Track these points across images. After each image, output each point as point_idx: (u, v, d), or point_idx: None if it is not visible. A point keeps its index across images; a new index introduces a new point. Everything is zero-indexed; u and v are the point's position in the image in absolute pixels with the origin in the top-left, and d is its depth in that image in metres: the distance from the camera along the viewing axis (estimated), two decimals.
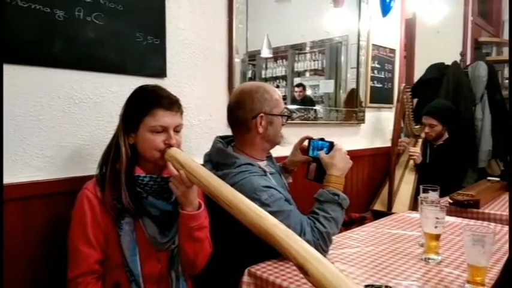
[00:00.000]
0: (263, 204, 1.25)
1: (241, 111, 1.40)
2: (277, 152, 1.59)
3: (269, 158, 1.54)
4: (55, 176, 1.31)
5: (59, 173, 1.32)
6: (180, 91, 1.63)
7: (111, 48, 1.39)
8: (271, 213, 1.20)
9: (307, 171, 1.54)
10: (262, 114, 1.39)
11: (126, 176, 1.14)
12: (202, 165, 1.42)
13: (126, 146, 1.16)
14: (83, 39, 1.33)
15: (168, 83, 1.56)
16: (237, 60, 1.88)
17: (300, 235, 1.22)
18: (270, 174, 1.42)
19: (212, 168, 1.41)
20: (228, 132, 1.77)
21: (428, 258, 1.24)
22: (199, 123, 1.75)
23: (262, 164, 1.44)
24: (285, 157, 1.66)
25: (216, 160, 1.41)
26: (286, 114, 1.48)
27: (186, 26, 1.65)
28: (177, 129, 1.19)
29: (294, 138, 1.60)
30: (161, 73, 1.55)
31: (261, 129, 1.40)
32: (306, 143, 1.55)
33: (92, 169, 1.24)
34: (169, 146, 1.15)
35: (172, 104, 1.17)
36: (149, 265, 1.18)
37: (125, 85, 1.41)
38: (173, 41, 1.60)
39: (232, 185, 1.27)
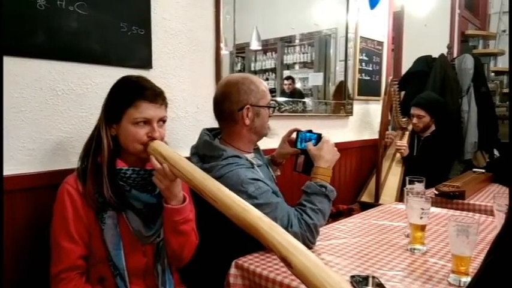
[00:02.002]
0: (250, 197, 1.25)
1: (228, 103, 1.39)
2: (265, 144, 1.59)
3: (257, 150, 1.54)
4: (38, 170, 1.28)
5: (42, 166, 1.30)
6: (166, 83, 1.61)
7: (94, 39, 1.37)
8: (258, 205, 1.20)
9: (295, 163, 1.54)
10: (248, 106, 1.38)
11: (108, 169, 1.12)
12: (189, 158, 1.41)
13: (108, 137, 1.14)
14: (66, 29, 1.30)
15: (154, 74, 1.54)
16: (225, 52, 1.86)
17: (287, 227, 1.23)
18: (258, 166, 1.42)
19: (199, 161, 1.40)
20: (216, 124, 1.76)
21: (414, 249, 1.25)
22: (187, 115, 1.74)
23: (250, 156, 1.44)
24: (273, 149, 1.66)
25: (203, 153, 1.40)
26: (272, 105, 1.47)
27: (171, 16, 1.62)
28: (161, 122, 1.17)
29: (282, 131, 1.60)
30: (147, 64, 1.53)
31: (247, 121, 1.39)
32: (294, 135, 1.55)
33: (75, 162, 1.21)
34: (153, 139, 1.13)
35: (156, 96, 1.14)
36: (134, 259, 1.16)
37: (109, 76, 1.38)
38: (159, 31, 1.57)
39: (219, 178, 1.28)
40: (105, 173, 1.11)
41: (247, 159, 1.39)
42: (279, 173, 1.68)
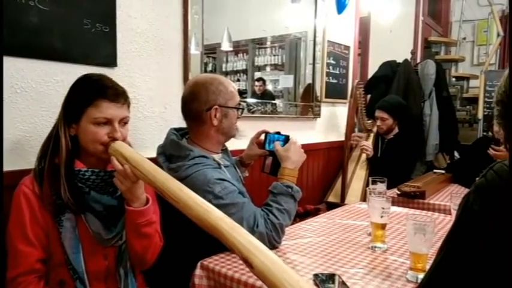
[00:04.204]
0: (216, 197, 1.25)
1: (196, 103, 1.38)
2: (233, 145, 1.59)
3: (224, 151, 1.54)
4: None
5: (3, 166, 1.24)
6: (132, 82, 1.58)
7: (56, 35, 1.32)
8: (224, 205, 1.24)
9: (263, 164, 1.55)
10: (216, 107, 1.38)
11: (66, 170, 1.08)
12: (155, 158, 1.39)
13: (67, 137, 1.10)
14: (25, 24, 1.25)
15: (119, 73, 1.51)
16: (196, 52, 1.85)
17: (253, 227, 1.24)
18: (225, 167, 1.42)
19: (165, 161, 1.38)
20: (183, 125, 1.75)
21: (375, 247, 1.29)
22: (154, 115, 1.71)
23: (217, 156, 1.44)
24: (241, 150, 1.67)
25: (170, 152, 1.39)
26: (241, 107, 1.48)
27: (137, 14, 1.60)
28: (122, 123, 1.14)
29: (252, 132, 1.61)
30: (111, 62, 1.50)
31: (215, 122, 1.39)
32: (262, 136, 1.56)
33: (34, 163, 1.17)
34: (114, 139, 1.10)
35: (118, 95, 1.11)
36: (94, 262, 1.13)
37: (72, 74, 1.33)
38: (124, 29, 1.54)
39: (185, 178, 1.29)
40: (62, 174, 1.08)
41: (214, 160, 1.39)
42: (247, 174, 1.69)
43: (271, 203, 1.32)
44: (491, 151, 2.24)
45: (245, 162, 1.66)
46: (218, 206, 1.21)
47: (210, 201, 1.21)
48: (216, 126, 1.40)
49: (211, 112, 1.38)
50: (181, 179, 1.29)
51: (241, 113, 1.49)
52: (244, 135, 1.54)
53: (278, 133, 1.51)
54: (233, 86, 1.45)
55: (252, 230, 1.23)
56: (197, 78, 1.46)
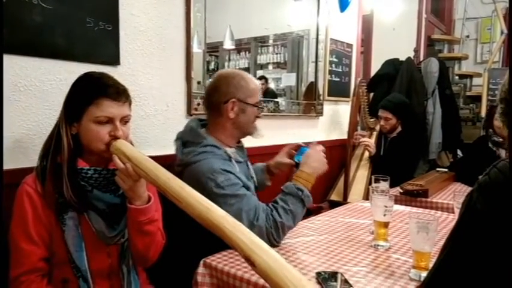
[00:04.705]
0: (218, 186, 1.29)
1: (216, 95, 1.43)
2: (250, 142, 1.61)
3: (240, 148, 1.55)
4: None
5: (3, 164, 1.24)
6: (134, 80, 1.59)
7: (59, 33, 1.33)
8: (224, 195, 1.27)
9: (291, 176, 1.55)
10: (234, 100, 1.41)
11: (68, 168, 1.08)
12: (156, 157, 1.39)
13: (68, 136, 1.10)
14: (29, 22, 1.26)
15: (121, 71, 1.52)
16: (198, 50, 1.85)
17: (252, 220, 1.24)
18: (236, 162, 1.43)
19: (181, 145, 1.43)
20: (185, 123, 1.76)
21: (378, 245, 1.29)
22: (156, 114, 1.72)
23: (230, 150, 1.45)
24: (257, 148, 1.65)
25: (186, 139, 1.43)
26: (260, 106, 1.50)
27: (140, 12, 1.60)
28: (124, 121, 1.14)
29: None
30: (114, 61, 1.50)
31: (232, 115, 1.42)
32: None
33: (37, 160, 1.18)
34: (116, 138, 1.10)
35: (119, 93, 1.11)
36: (98, 260, 1.13)
37: (74, 72, 1.33)
38: (127, 27, 1.54)
39: (193, 163, 1.34)
40: (65, 173, 1.08)
41: (225, 152, 1.41)
42: (269, 184, 1.70)
43: (279, 201, 1.32)
44: None
45: (272, 171, 1.67)
46: (218, 196, 1.27)
47: (211, 189, 1.28)
48: (233, 119, 1.43)
49: (229, 105, 1.41)
50: (189, 164, 1.35)
51: (260, 112, 1.51)
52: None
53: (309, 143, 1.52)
54: (256, 84, 1.48)
55: (252, 224, 1.23)
56: (222, 72, 1.51)
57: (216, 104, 1.43)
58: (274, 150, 1.93)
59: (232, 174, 1.33)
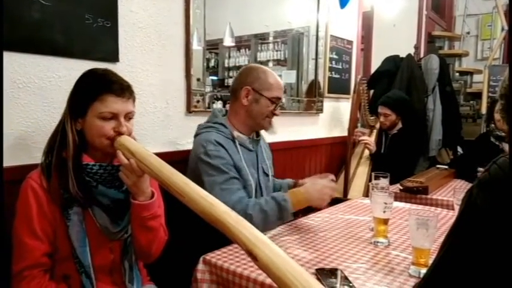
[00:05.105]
0: (205, 154, 1.40)
1: (237, 81, 1.56)
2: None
3: (255, 141, 1.60)
4: None
5: (3, 161, 1.24)
6: (134, 77, 1.58)
7: (58, 30, 1.32)
8: (207, 164, 1.39)
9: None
10: (248, 87, 1.51)
11: (74, 164, 1.09)
12: (157, 153, 1.39)
13: (73, 132, 1.11)
14: (28, 19, 1.25)
15: (121, 68, 1.51)
16: (198, 47, 1.84)
17: (224, 196, 1.28)
18: (243, 147, 1.50)
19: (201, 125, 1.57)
20: (185, 120, 1.78)
21: (377, 242, 1.29)
22: (155, 111, 1.71)
23: (240, 135, 1.52)
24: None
25: (207, 119, 1.58)
26: (274, 101, 1.53)
27: (139, 9, 1.59)
28: (128, 117, 1.14)
29: None
30: (113, 57, 1.49)
31: (245, 101, 1.51)
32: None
33: (38, 157, 1.17)
34: (120, 133, 1.10)
35: (123, 90, 1.12)
36: (101, 256, 1.14)
37: (73, 69, 1.35)
38: (126, 24, 1.54)
39: (197, 135, 1.48)
40: (70, 168, 1.08)
41: (232, 134, 1.49)
42: None
43: (262, 198, 1.38)
44: None
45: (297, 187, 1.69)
46: (203, 162, 1.39)
47: (199, 155, 1.41)
48: (246, 106, 1.52)
49: (243, 91, 1.51)
50: (196, 135, 1.50)
51: (275, 108, 1.54)
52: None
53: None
54: (276, 80, 1.54)
55: (222, 200, 1.24)
56: (248, 64, 1.68)
57: (235, 89, 1.55)
58: (274, 147, 1.93)
59: (224, 149, 1.41)
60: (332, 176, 1.53)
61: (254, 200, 1.38)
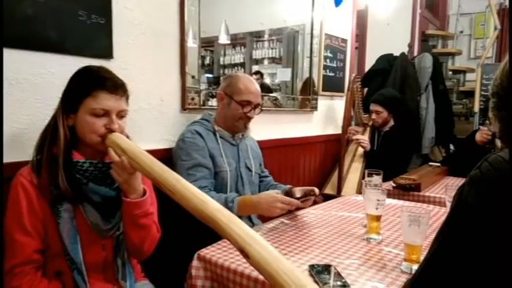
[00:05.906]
0: (182, 140, 1.59)
1: (218, 87, 1.75)
2: None
3: (239, 137, 1.73)
4: None
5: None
6: (128, 74, 1.56)
7: (50, 26, 1.32)
8: (180, 148, 1.58)
9: None
10: (222, 92, 1.68)
11: (64, 160, 1.08)
12: (151, 150, 1.39)
13: (65, 127, 1.10)
14: (20, 15, 1.25)
15: (114, 65, 1.50)
16: (193, 45, 1.84)
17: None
18: (224, 139, 1.67)
19: None
20: (180, 117, 1.79)
21: (370, 238, 1.30)
22: (150, 108, 1.71)
23: (221, 130, 1.68)
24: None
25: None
26: (244, 104, 1.63)
27: (134, 6, 1.58)
28: (120, 115, 1.14)
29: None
30: (107, 54, 1.49)
31: (220, 105, 1.70)
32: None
33: (31, 154, 1.17)
34: (111, 131, 1.10)
35: (116, 87, 1.11)
36: (92, 253, 1.13)
37: (67, 65, 1.34)
38: (120, 20, 1.53)
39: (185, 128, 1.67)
40: (60, 164, 1.07)
41: (213, 127, 1.67)
42: None
43: (219, 194, 1.49)
44: None
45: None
46: (179, 148, 1.60)
47: (178, 142, 1.63)
48: (222, 109, 1.69)
49: (219, 95, 1.70)
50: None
51: (245, 112, 1.64)
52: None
53: None
54: (246, 85, 1.65)
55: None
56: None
57: (216, 94, 1.76)
58: (269, 144, 1.94)
59: (201, 138, 1.59)
60: (316, 190, 1.54)
61: (213, 193, 1.49)
